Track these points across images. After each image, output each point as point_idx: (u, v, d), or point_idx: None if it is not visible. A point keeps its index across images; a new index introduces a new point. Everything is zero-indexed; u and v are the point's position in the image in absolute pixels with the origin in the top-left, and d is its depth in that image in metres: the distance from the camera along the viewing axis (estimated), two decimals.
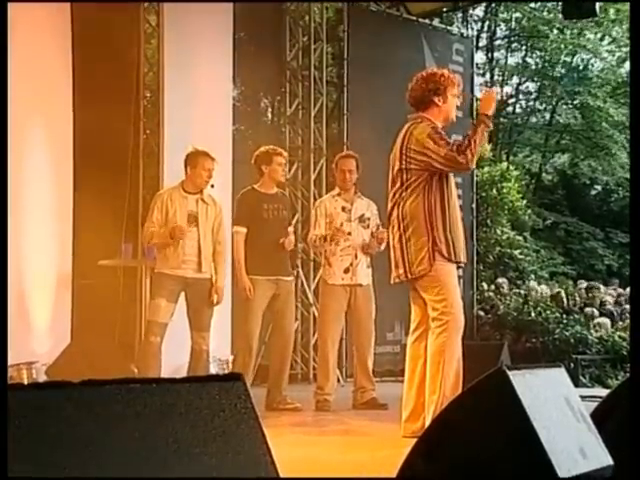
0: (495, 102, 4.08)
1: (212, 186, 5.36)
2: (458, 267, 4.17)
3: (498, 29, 15.84)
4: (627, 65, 14.90)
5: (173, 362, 5.65)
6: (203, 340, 5.28)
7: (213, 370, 6.31)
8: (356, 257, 5.63)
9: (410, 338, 4.20)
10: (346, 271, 5.62)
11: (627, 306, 9.92)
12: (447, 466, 1.86)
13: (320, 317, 5.86)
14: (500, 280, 11.14)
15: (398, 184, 4.13)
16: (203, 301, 5.26)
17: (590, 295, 10.59)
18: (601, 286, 11.34)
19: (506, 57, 16.27)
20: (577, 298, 10.33)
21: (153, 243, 5.33)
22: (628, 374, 7.15)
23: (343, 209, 5.70)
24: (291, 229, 5.74)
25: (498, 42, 16.10)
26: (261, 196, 5.55)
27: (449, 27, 10.21)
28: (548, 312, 9.34)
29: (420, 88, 4.11)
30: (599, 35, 15.39)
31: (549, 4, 14.23)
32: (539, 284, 11.32)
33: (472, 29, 14.59)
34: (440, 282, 4.01)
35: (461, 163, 3.93)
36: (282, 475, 1.46)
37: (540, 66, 16.02)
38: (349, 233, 5.64)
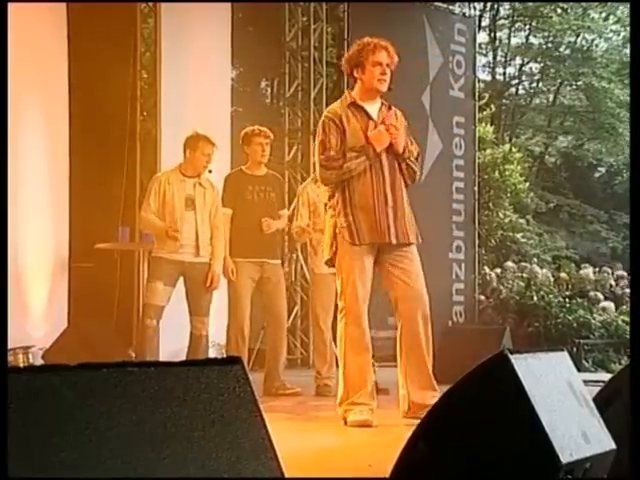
0: (386, 140, 3.90)
1: (210, 171, 5.32)
2: (417, 249, 4.00)
3: (501, 9, 15.71)
4: None
5: (171, 346, 5.62)
6: (202, 325, 5.25)
7: (212, 355, 6.26)
8: None
9: None
10: None
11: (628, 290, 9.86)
12: (448, 450, 1.85)
13: (311, 304, 5.82)
14: (509, 264, 11.07)
15: None
16: (202, 286, 5.22)
17: (595, 278, 10.53)
18: (606, 269, 11.28)
19: (509, 37, 16.18)
20: (582, 281, 10.27)
21: (150, 232, 5.30)
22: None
23: None
24: (284, 212, 5.66)
25: (501, 22, 15.99)
26: (247, 177, 5.52)
27: (451, 7, 10.08)
28: (551, 296, 9.28)
29: (345, 66, 4.05)
30: (603, 15, 15.27)
31: None
32: (542, 268, 11.25)
33: (474, 9, 14.46)
34: (340, 270, 3.94)
35: (321, 177, 3.97)
36: (282, 460, 1.45)
37: (544, 47, 15.92)
38: None
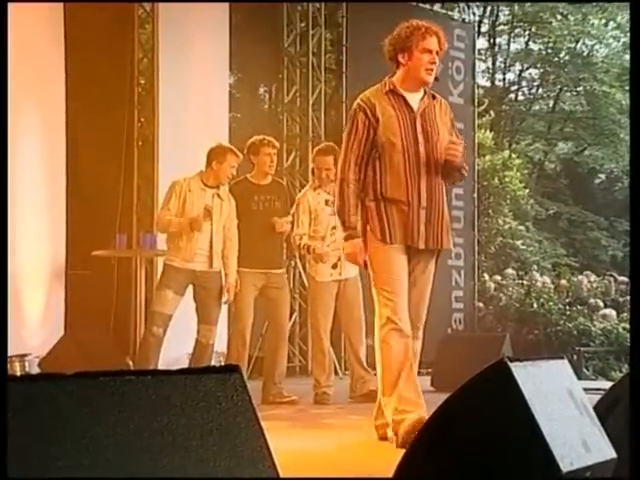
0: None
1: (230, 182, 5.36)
2: (446, 254, 3.78)
3: (501, 14, 15.69)
4: None
5: (172, 353, 5.60)
6: (211, 333, 5.27)
7: (212, 362, 6.25)
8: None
9: None
10: (334, 267, 5.53)
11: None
12: (448, 458, 1.84)
13: (311, 312, 5.79)
14: (508, 271, 11.03)
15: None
16: (212, 295, 5.24)
17: (595, 286, 10.49)
18: (607, 276, 11.24)
19: (509, 43, 16.15)
20: (582, 289, 10.23)
21: (170, 232, 5.23)
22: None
23: (327, 202, 5.53)
24: (287, 219, 5.63)
25: (500, 28, 15.96)
26: (253, 187, 5.51)
27: (450, 12, 10.07)
28: (551, 303, 9.25)
29: (389, 48, 3.74)
30: (603, 21, 15.25)
31: None
32: (541, 275, 11.21)
33: (474, 14, 14.45)
34: (372, 267, 3.64)
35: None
36: (280, 468, 1.45)
37: (544, 52, 15.89)
38: (334, 227, 5.43)
